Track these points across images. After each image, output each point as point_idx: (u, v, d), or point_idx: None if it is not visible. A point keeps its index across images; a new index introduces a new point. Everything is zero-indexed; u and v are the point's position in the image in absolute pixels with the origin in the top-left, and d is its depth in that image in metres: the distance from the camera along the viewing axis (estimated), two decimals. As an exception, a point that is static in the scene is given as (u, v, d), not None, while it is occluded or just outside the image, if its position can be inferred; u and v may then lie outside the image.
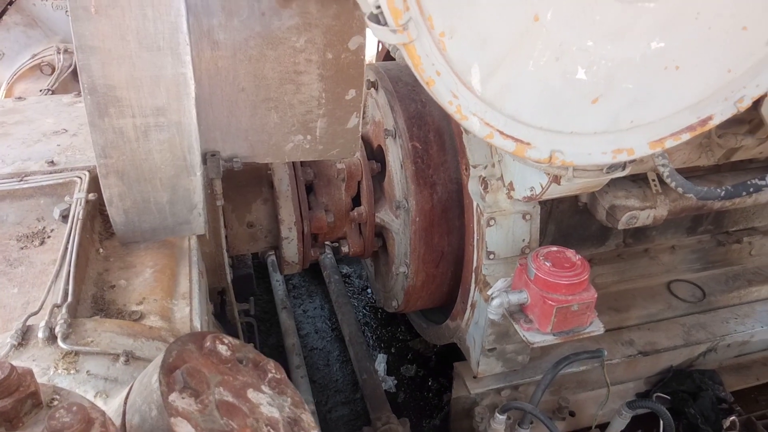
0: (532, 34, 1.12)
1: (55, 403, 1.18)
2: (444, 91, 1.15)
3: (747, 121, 2.20)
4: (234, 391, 1.38)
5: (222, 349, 1.50)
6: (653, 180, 2.46)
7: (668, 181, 1.90)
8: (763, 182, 1.95)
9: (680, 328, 3.11)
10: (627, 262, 3.29)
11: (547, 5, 1.10)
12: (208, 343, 1.49)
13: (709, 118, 1.35)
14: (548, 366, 2.64)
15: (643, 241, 3.30)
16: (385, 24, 1.06)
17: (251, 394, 1.42)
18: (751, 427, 2.93)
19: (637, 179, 2.59)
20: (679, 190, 1.90)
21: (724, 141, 2.24)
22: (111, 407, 1.35)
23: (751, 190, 1.97)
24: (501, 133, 1.23)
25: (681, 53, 1.25)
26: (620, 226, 2.52)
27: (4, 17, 3.43)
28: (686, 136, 1.36)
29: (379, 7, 1.04)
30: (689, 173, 2.71)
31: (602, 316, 3.10)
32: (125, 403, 1.31)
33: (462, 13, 1.06)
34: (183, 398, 1.22)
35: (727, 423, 2.85)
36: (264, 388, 1.50)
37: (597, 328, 2.26)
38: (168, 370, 1.30)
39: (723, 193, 1.97)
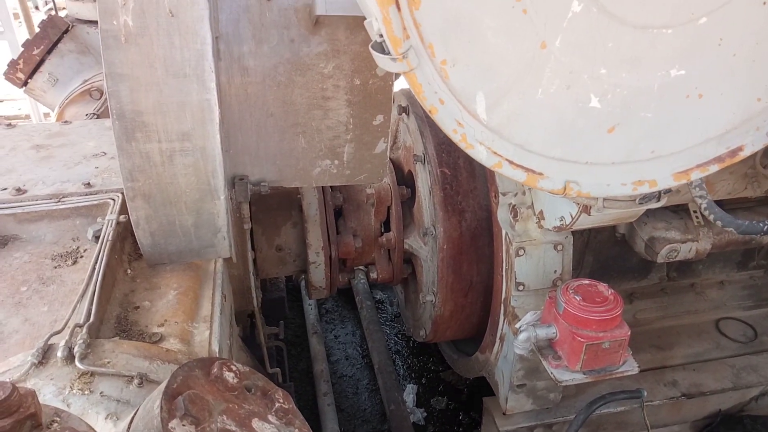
0: (539, 61, 1.08)
1: (55, 425, 1.19)
2: (448, 120, 1.12)
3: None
4: (238, 419, 1.36)
5: (229, 376, 1.49)
6: (695, 211, 2.34)
7: (706, 213, 1.80)
8: (812, 217, 1.81)
9: (729, 370, 2.92)
10: (671, 297, 3.12)
11: (554, 32, 1.06)
12: (215, 370, 1.49)
13: (740, 149, 1.27)
14: (583, 405, 2.51)
15: (688, 276, 3.13)
16: (388, 52, 1.05)
17: (256, 423, 1.40)
18: (808, 481, 2.70)
19: (678, 210, 2.47)
20: (718, 223, 1.79)
21: (770, 172, 2.11)
22: (117, 430, 1.35)
23: (799, 225, 1.83)
24: (510, 162, 1.19)
25: (704, 81, 1.18)
26: (660, 260, 2.40)
27: (59, 45, 3.64)
28: (714, 168, 1.28)
29: (381, 35, 1.03)
30: (737, 204, 2.56)
31: (644, 353, 2.97)
32: (128, 427, 1.31)
33: (464, 41, 1.04)
34: (183, 425, 1.21)
35: (780, 475, 2.64)
36: (270, 417, 1.47)
37: (631, 367, 2.14)
38: (171, 396, 1.30)
39: (766, 227, 1.84)
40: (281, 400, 1.55)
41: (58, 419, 1.18)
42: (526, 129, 1.17)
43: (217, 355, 1.90)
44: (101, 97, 3.53)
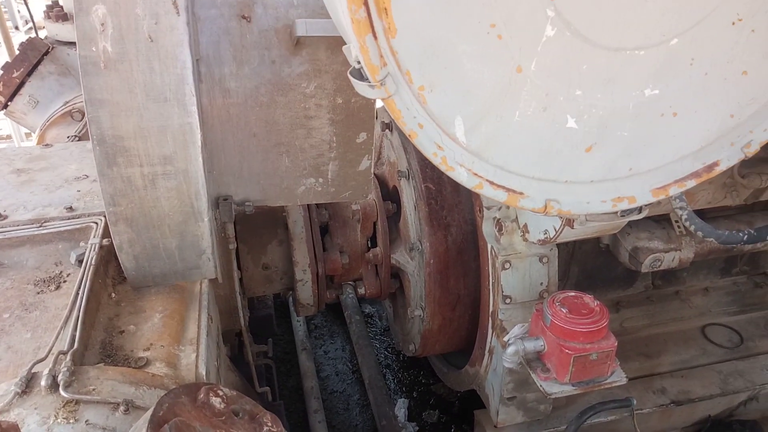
0: (516, 85, 1.10)
1: (38, 459, 1.17)
2: (428, 143, 1.13)
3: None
4: (224, 446, 1.35)
5: (216, 401, 1.48)
6: (676, 221, 2.37)
7: (687, 224, 1.82)
8: (789, 226, 1.84)
9: (717, 376, 2.94)
10: (657, 305, 3.15)
11: (529, 56, 1.08)
12: (201, 395, 1.48)
13: (715, 164, 1.29)
14: (573, 416, 2.52)
15: (673, 283, 3.16)
16: (366, 79, 1.06)
17: (243, 449, 1.38)
18: (798, 485, 2.72)
19: (660, 220, 2.50)
20: (699, 233, 1.82)
21: (748, 181, 2.14)
22: (102, 461, 1.34)
23: (777, 234, 1.86)
24: (491, 183, 1.20)
25: (678, 100, 1.20)
26: (644, 269, 2.43)
27: (39, 67, 3.62)
28: (692, 183, 1.30)
29: (359, 62, 1.04)
30: (717, 213, 2.60)
31: (632, 362, 2.98)
32: (113, 457, 1.30)
33: (441, 67, 1.05)
34: (169, 454, 1.20)
35: (770, 479, 2.66)
36: (257, 442, 1.46)
37: (619, 378, 2.15)
38: (157, 424, 1.29)
39: (746, 237, 1.87)
40: (269, 424, 1.54)
41: (41, 453, 1.16)
42: (505, 150, 1.18)
43: (204, 378, 1.88)
44: (82, 118, 3.51)
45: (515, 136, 1.17)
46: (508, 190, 1.22)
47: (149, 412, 1.31)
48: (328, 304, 3.50)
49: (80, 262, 2.07)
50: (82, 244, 2.14)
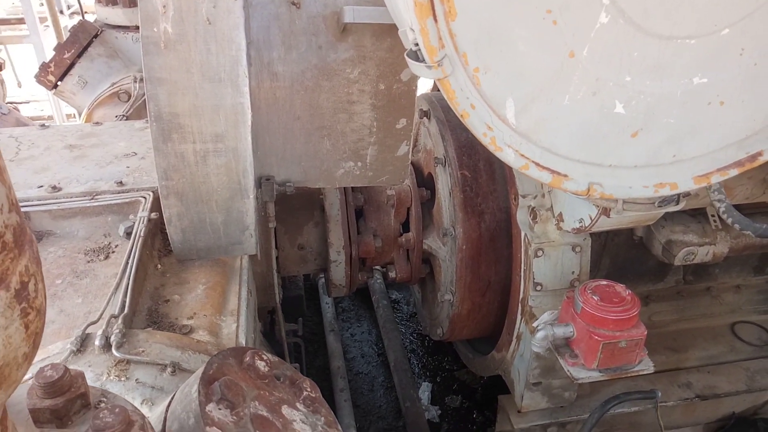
0: (567, 69, 1.14)
1: (102, 404, 1.26)
2: (478, 124, 1.18)
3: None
4: (269, 406, 1.43)
5: (260, 364, 1.56)
6: (713, 215, 2.37)
7: (724, 216, 1.84)
8: (828, 222, 1.84)
9: (743, 373, 2.93)
10: (687, 300, 3.15)
11: (582, 42, 1.12)
12: (247, 358, 1.56)
13: (759, 153, 1.31)
14: (597, 404, 2.55)
15: (705, 279, 3.15)
16: (423, 60, 1.11)
17: (285, 410, 1.46)
18: (823, 485, 2.72)
19: (696, 214, 2.50)
20: (736, 226, 1.83)
21: (789, 176, 2.14)
22: (155, 414, 1.43)
23: (815, 229, 1.86)
24: (537, 164, 1.25)
25: (726, 89, 1.22)
26: (677, 262, 2.44)
27: (89, 49, 3.75)
28: (734, 172, 1.32)
29: (417, 44, 1.09)
30: (755, 209, 2.59)
31: (659, 355, 2.99)
32: (167, 410, 1.38)
33: (496, 50, 1.09)
34: (219, 409, 1.28)
35: (795, 478, 2.66)
36: (299, 405, 1.54)
37: (647, 366, 2.18)
38: (207, 382, 1.37)
39: (783, 231, 1.87)
40: (309, 389, 1.61)
41: (104, 399, 1.25)
42: (553, 133, 1.22)
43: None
44: (129, 99, 3.63)
45: (563, 120, 1.21)
46: (553, 172, 1.27)
47: (200, 371, 1.38)
48: (357, 288, 3.57)
49: (128, 234, 2.17)
50: (131, 217, 2.23)
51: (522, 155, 1.23)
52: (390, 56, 2.15)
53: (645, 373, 2.15)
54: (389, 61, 2.16)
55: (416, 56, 1.13)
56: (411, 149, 2.41)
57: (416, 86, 2.27)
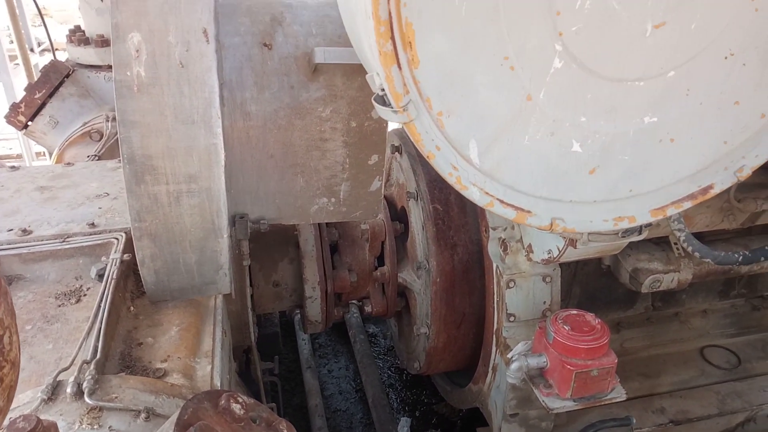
0: (526, 112, 1.20)
1: (76, 455, 1.24)
2: (444, 164, 1.23)
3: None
4: (246, 449, 1.42)
5: (236, 407, 1.55)
6: (675, 243, 2.45)
7: (684, 245, 1.91)
8: (782, 248, 1.93)
9: (714, 396, 2.99)
10: (657, 326, 3.22)
11: (539, 86, 1.18)
12: (222, 402, 1.55)
13: (710, 187, 1.38)
14: (574, 433, 2.57)
15: (673, 305, 3.23)
16: (389, 104, 1.16)
17: (263, 453, 1.45)
18: (796, 506, 2.76)
19: (660, 242, 2.58)
20: (696, 254, 1.90)
21: (744, 205, 2.23)
22: (129, 462, 1.40)
23: (771, 255, 1.95)
24: (501, 201, 1.30)
25: (675, 127, 1.30)
26: (644, 290, 2.50)
27: (60, 89, 3.75)
28: (688, 204, 1.39)
29: (383, 89, 1.14)
30: (715, 236, 2.68)
31: (632, 382, 3.04)
32: (142, 458, 1.36)
33: (458, 95, 1.15)
34: (196, 455, 1.27)
35: (769, 500, 2.69)
36: (275, 447, 1.53)
37: (619, 394, 2.22)
38: (182, 427, 1.36)
39: (741, 258, 1.95)
40: (285, 431, 1.61)
41: (78, 451, 1.23)
42: (515, 171, 1.28)
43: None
44: (101, 138, 3.62)
45: (524, 159, 1.26)
46: (516, 208, 1.32)
47: (175, 416, 1.37)
48: (333, 323, 3.56)
49: (100, 276, 2.15)
50: (103, 258, 2.22)
51: (487, 193, 1.28)
52: (361, 95, 2.21)
53: (618, 400, 2.18)
54: (360, 99, 2.22)
55: (383, 101, 1.18)
56: (384, 184, 2.46)
57: (387, 123, 2.33)
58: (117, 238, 2.29)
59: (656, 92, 1.26)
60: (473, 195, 1.29)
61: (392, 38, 1.06)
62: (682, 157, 1.35)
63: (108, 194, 2.62)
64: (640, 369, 3.10)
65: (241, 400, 1.59)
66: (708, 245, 2.24)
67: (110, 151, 3.56)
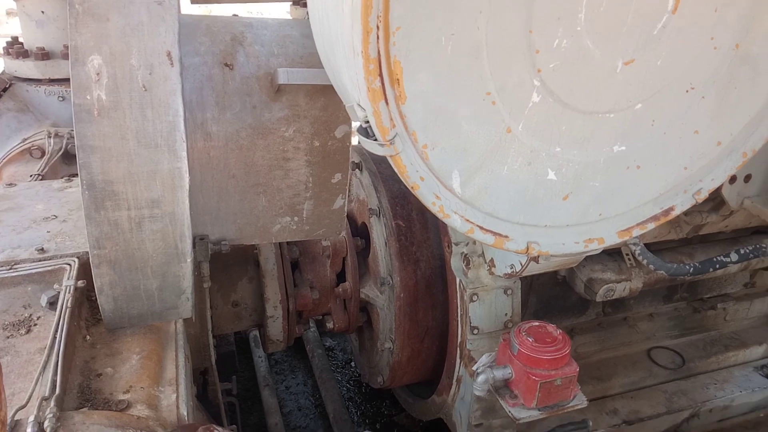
0: (505, 143, 1.25)
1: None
2: (427, 194, 1.26)
3: (711, 199, 2.34)
4: (227, 485, 1.39)
5: (214, 441, 1.52)
6: (627, 255, 2.58)
7: (640, 258, 2.01)
8: (727, 259, 2.07)
9: (662, 395, 3.14)
10: (607, 331, 3.35)
11: (517, 119, 1.23)
12: (200, 436, 1.51)
13: (671, 209, 1.47)
14: (535, 440, 2.64)
15: (621, 310, 3.38)
16: (373, 137, 1.17)
17: (245, 487, 1.42)
18: (739, 496, 2.94)
19: (612, 253, 2.70)
20: (651, 267, 2.00)
21: (690, 218, 2.38)
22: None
23: (717, 266, 2.08)
24: (481, 228, 1.33)
25: (641, 155, 1.38)
26: (598, 299, 2.61)
27: (-4, 103, 3.54)
28: (651, 225, 1.47)
29: (367, 122, 1.15)
30: (660, 246, 2.83)
31: (585, 385, 3.14)
32: (119, 502, 1.31)
33: (442, 128, 1.18)
34: (179, 496, 1.23)
35: (714, 492, 2.86)
36: (256, 480, 1.50)
37: (581, 401, 2.30)
38: (162, 467, 1.31)
39: (691, 269, 2.07)
40: (265, 462, 1.58)
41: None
42: (495, 199, 1.32)
43: (186, 418, 1.89)
44: (42, 156, 3.44)
45: (504, 187, 1.31)
46: (495, 234, 1.36)
47: (153, 455, 1.33)
48: (290, 339, 3.52)
49: (52, 304, 2.05)
50: (55, 286, 2.11)
51: (467, 220, 1.31)
52: (324, 114, 2.21)
53: (580, 407, 2.26)
54: (323, 119, 2.22)
55: (366, 132, 1.19)
56: (346, 202, 2.46)
57: (350, 142, 2.34)
58: (69, 264, 2.19)
59: (625, 123, 1.33)
60: (455, 222, 1.32)
61: (380, 75, 1.07)
62: (647, 182, 1.43)
63: (56, 217, 2.50)
64: (592, 373, 3.21)
65: (217, 433, 1.55)
66: (655, 255, 2.37)
67: (53, 170, 3.39)
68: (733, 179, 2.15)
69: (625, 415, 3.04)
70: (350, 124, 2.26)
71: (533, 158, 1.29)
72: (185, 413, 1.91)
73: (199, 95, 2.06)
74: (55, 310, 1.98)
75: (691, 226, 2.46)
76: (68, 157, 3.27)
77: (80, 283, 2.08)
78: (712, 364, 3.35)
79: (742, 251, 2.28)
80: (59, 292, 2.05)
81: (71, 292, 2.03)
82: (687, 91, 1.33)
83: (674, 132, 1.38)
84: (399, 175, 1.22)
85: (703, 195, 1.48)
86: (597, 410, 3.03)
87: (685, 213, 2.40)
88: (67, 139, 3.39)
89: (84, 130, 1.66)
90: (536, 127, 1.26)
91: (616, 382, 3.22)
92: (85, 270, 2.14)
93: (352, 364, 4.34)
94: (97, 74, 1.63)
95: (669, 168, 1.43)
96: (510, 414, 2.27)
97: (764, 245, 2.29)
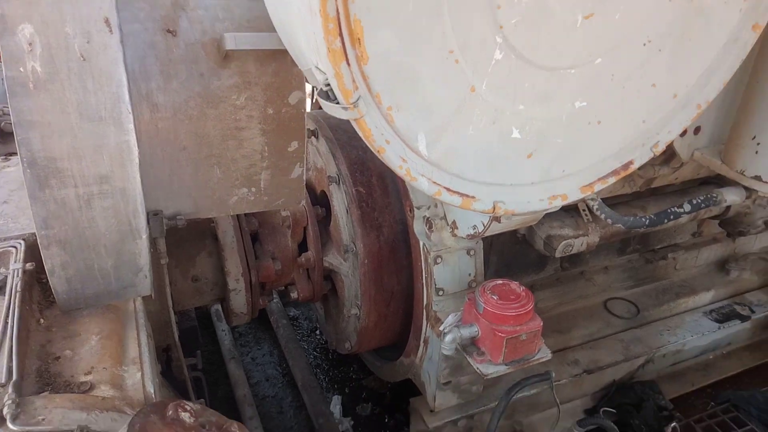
0: (470, 102, 1.23)
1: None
2: (394, 157, 1.23)
3: (658, 155, 2.40)
4: (202, 460, 1.38)
5: (185, 416, 1.50)
6: (584, 210, 2.63)
7: (598, 213, 2.05)
8: (681, 210, 2.13)
9: (619, 344, 3.28)
10: (565, 285, 3.45)
11: (481, 77, 1.21)
12: (170, 412, 1.49)
13: (630, 162, 1.50)
14: (501, 393, 2.71)
15: (578, 265, 3.48)
16: (335, 100, 1.13)
17: (219, 460, 1.41)
18: (691, 431, 3.12)
19: (569, 210, 2.75)
20: (609, 221, 2.05)
21: (643, 172, 2.43)
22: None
23: (672, 217, 2.15)
24: (448, 190, 1.32)
25: (601, 110, 1.39)
26: (557, 255, 2.67)
27: None
28: (612, 180, 1.50)
29: (328, 84, 1.11)
30: (614, 200, 2.91)
31: (548, 338, 3.21)
32: (90, 485, 1.28)
33: (407, 89, 1.15)
34: (151, 475, 1.21)
35: (668, 430, 3.02)
36: (231, 453, 1.49)
37: (545, 354, 2.37)
38: (132, 447, 1.29)
39: (647, 221, 2.13)
40: (237, 433, 1.57)
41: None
42: (461, 160, 1.31)
43: (153, 396, 1.86)
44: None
45: (469, 148, 1.29)
46: (462, 195, 1.35)
47: (122, 435, 1.30)
48: (256, 311, 3.48)
49: (0, 288, 1.96)
50: (2, 270, 2.02)
51: (435, 183, 1.30)
52: (276, 80, 2.14)
53: (545, 359, 2.33)
54: (276, 85, 2.14)
55: (327, 96, 1.15)
56: (305, 170, 2.40)
57: (305, 108, 2.28)
58: (15, 247, 2.09)
59: (586, 78, 1.33)
60: (422, 185, 1.30)
61: (341, 35, 1.02)
62: (607, 137, 1.44)
63: (-4, 198, 2.36)
64: (553, 326, 3.32)
65: (189, 408, 1.54)
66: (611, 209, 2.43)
67: (-11, 149, 3.18)
68: (683, 132, 2.20)
69: (585, 364, 3.16)
70: (304, 89, 2.20)
71: (497, 117, 1.28)
72: (152, 391, 1.88)
73: (142, 64, 1.95)
74: (4, 294, 1.89)
75: (644, 180, 2.53)
76: (3, 135, 3.07)
77: (29, 266, 2.00)
78: (665, 312, 3.51)
79: (694, 201, 2.36)
80: (6, 276, 1.96)
81: (20, 275, 1.95)
82: (644, 45, 1.34)
83: (633, 86, 1.39)
84: (364, 140, 1.19)
85: (661, 147, 1.51)
86: (559, 362, 3.14)
87: (639, 167, 2.47)
88: (1, 116, 3.18)
89: (20, 105, 1.55)
90: (500, 84, 1.24)
91: (576, 333, 3.34)
92: (32, 252, 2.04)
93: (318, 332, 4.34)
94: (29, 44, 1.52)
95: (628, 122, 1.44)
96: (478, 370, 2.32)
97: (714, 195, 2.38)
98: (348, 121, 1.18)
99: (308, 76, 1.21)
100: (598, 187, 1.50)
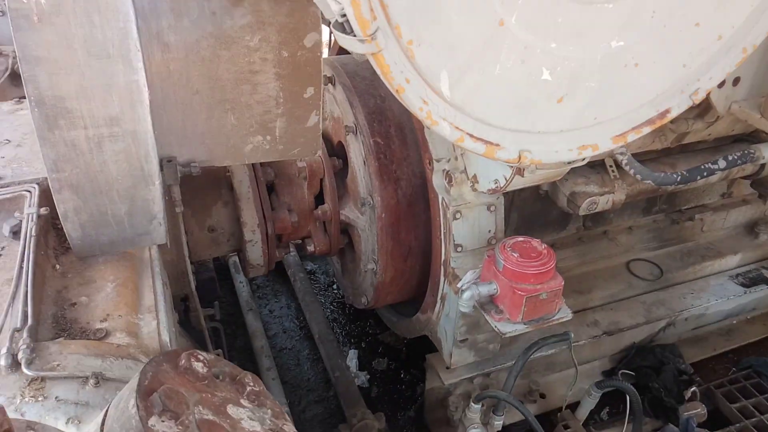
0: (497, 38, 1.13)
1: (30, 437, 1.14)
2: (414, 98, 1.15)
3: (696, 105, 2.27)
4: (214, 408, 1.36)
5: (198, 366, 1.48)
6: (611, 166, 2.52)
7: (627, 168, 1.95)
8: (715, 166, 2.02)
9: (641, 306, 3.21)
10: (587, 244, 3.37)
11: (510, 10, 1.11)
12: (183, 362, 1.46)
13: (667, 111, 1.39)
14: (518, 352, 2.69)
15: (601, 224, 3.38)
16: (352, 32, 1.04)
17: (231, 409, 1.40)
18: (711, 396, 3.07)
19: (595, 165, 2.65)
20: (638, 177, 1.95)
21: (676, 126, 2.31)
22: (86, 434, 1.31)
23: (705, 174, 2.04)
24: (471, 136, 1.24)
25: (639, 51, 1.28)
26: (581, 212, 2.58)
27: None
28: (647, 130, 1.40)
29: (344, 15, 1.02)
30: (643, 157, 2.78)
31: (567, 299, 3.16)
32: (101, 429, 1.28)
33: (429, 21, 1.06)
34: (163, 421, 1.20)
35: (688, 394, 2.98)
36: (243, 402, 1.48)
37: (565, 314, 2.32)
38: (145, 394, 1.27)
39: (679, 178, 2.03)
40: (251, 383, 1.55)
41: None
42: (486, 103, 1.22)
43: (169, 345, 1.85)
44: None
45: (495, 89, 1.20)
46: (486, 142, 1.27)
47: (134, 382, 1.28)
48: (273, 264, 3.48)
49: (15, 233, 1.95)
50: (16, 214, 2.00)
51: (457, 128, 1.22)
52: (291, 21, 2.04)
53: (565, 320, 2.28)
54: (290, 26, 2.05)
55: (342, 27, 1.06)
56: (321, 119, 2.33)
57: (321, 52, 2.18)
58: (29, 191, 2.07)
59: (623, 14, 1.22)
60: (444, 130, 1.22)
61: (357, -43, 0.93)
62: (644, 82, 1.33)
63: (9, 141, 2.34)
64: (573, 286, 3.25)
65: (202, 358, 1.51)
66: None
67: (1, 91, 3.15)
68: (722, 83, 2.07)
69: (605, 326, 3.11)
70: (320, 31, 2.10)
71: (527, 56, 1.18)
72: (167, 340, 1.87)
73: (152, 0, 1.86)
74: (19, 239, 1.88)
75: (676, 135, 2.40)
76: (16, 77, 3.03)
77: (43, 210, 1.97)
78: (689, 275, 3.42)
79: (730, 158, 2.23)
80: (21, 221, 1.94)
81: (34, 219, 1.93)
82: (691, -23, 1.22)
83: (675, 24, 1.27)
84: (382, 77, 1.11)
85: (701, 95, 1.39)
86: (578, 322, 3.09)
87: (671, 120, 2.34)
88: (13, 58, 3.13)
89: (24, 39, 1.49)
90: (531, 19, 1.14)
91: (597, 294, 3.27)
92: (47, 197, 2.02)
93: (335, 286, 4.34)
94: (33, -27, 1.44)
95: (667, 66, 1.33)
96: (496, 329, 2.28)
97: (752, 151, 2.25)
98: (365, 68, 1.10)
99: (322, 6, 1.12)
100: (631, 138, 1.40)
